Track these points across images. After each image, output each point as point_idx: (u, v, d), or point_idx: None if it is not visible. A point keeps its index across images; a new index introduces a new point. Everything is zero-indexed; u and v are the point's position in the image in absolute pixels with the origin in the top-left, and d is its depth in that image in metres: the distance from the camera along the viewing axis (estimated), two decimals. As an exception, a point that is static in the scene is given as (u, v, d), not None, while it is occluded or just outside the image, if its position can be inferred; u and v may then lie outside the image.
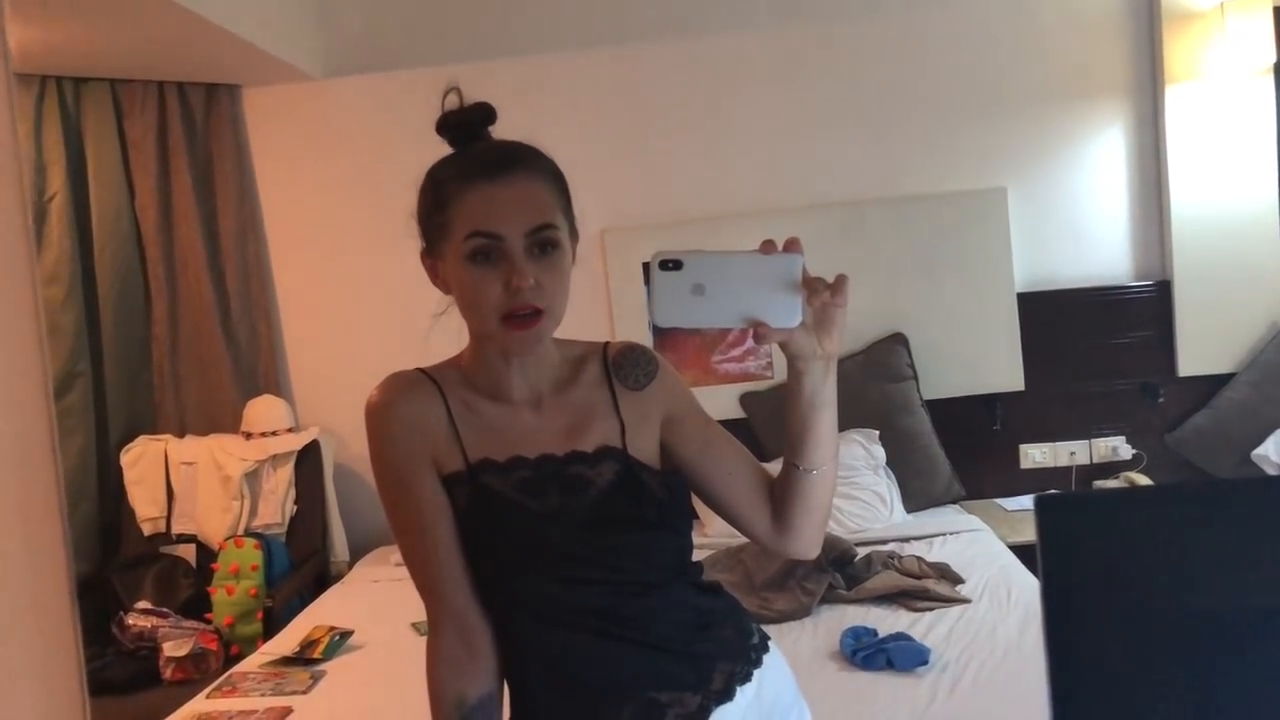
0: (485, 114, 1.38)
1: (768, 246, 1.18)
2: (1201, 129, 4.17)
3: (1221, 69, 4.10)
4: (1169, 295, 4.26)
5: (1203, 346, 4.25)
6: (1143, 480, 4.10)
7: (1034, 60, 4.29)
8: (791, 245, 1.19)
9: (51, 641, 0.82)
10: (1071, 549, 0.95)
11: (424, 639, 1.41)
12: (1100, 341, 4.30)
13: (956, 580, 3.25)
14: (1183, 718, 0.94)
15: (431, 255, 1.38)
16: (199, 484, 4.12)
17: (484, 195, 1.30)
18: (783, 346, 1.23)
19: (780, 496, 1.40)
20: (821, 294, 1.19)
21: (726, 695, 1.41)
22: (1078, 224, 4.34)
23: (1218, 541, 0.95)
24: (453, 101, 1.38)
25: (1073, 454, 4.33)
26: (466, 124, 1.37)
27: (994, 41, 4.29)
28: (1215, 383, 4.25)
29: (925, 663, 2.67)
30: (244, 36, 3.63)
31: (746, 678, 1.44)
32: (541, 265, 1.30)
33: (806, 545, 1.43)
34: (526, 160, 1.34)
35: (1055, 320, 4.30)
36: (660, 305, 1.16)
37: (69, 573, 0.82)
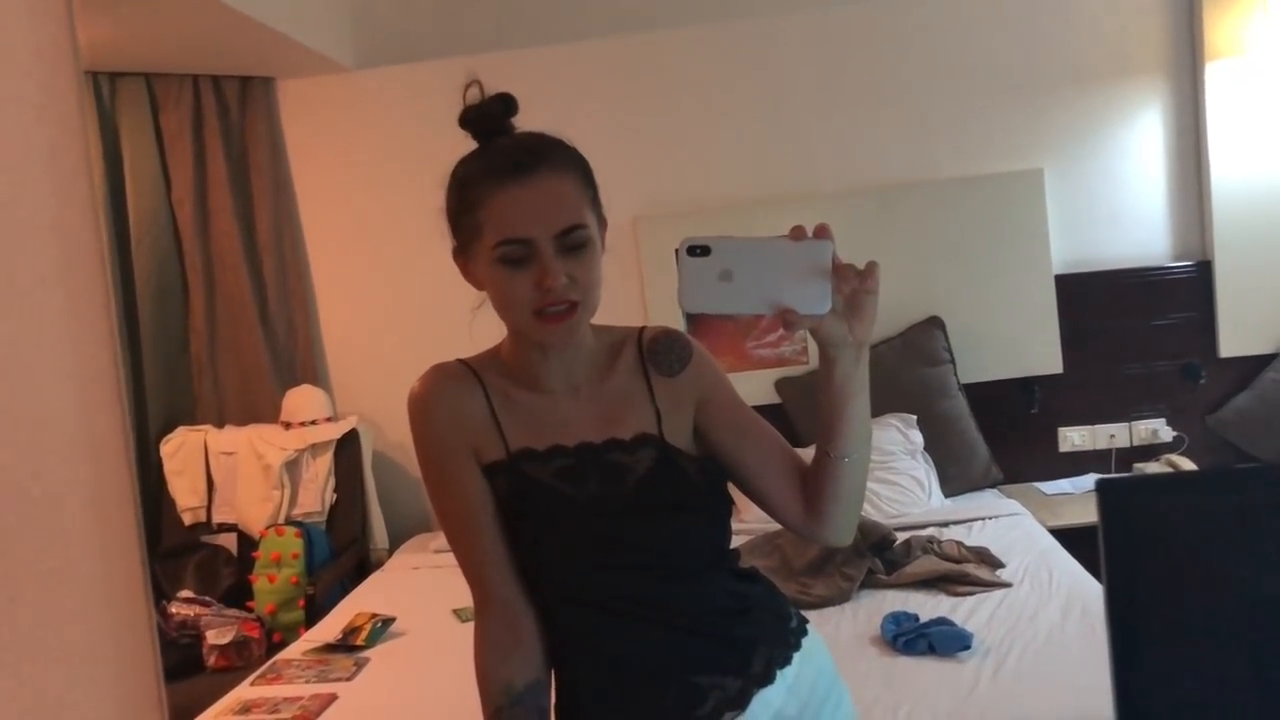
0: (506, 105, 1.35)
1: (797, 232, 1.17)
2: (1243, 106, 4.10)
3: (1264, 44, 4.03)
4: (1210, 275, 4.20)
5: (1244, 327, 4.19)
6: (1185, 463, 4.04)
7: (1071, 39, 4.24)
8: (821, 231, 1.18)
9: (126, 622, 0.83)
10: (1134, 532, 0.94)
11: (465, 625, 1.42)
12: (1140, 323, 4.24)
13: (997, 564, 3.23)
14: (1247, 699, 0.93)
15: (464, 255, 1.37)
16: (239, 474, 4.16)
17: (511, 199, 1.28)
18: (813, 333, 1.21)
19: (812, 483, 1.39)
20: (851, 280, 1.18)
21: (766, 679, 1.41)
22: (1116, 204, 4.28)
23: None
24: (474, 95, 1.35)
25: (1112, 436, 4.28)
26: (488, 117, 1.34)
27: (1030, 20, 4.24)
28: (1257, 363, 4.19)
29: (967, 647, 2.65)
30: (278, 29, 3.65)
31: (786, 661, 1.44)
32: (571, 261, 1.29)
33: (838, 532, 1.42)
34: (551, 156, 1.31)
35: (1094, 302, 4.25)
36: (688, 290, 1.16)
37: (141, 548, 0.84)
